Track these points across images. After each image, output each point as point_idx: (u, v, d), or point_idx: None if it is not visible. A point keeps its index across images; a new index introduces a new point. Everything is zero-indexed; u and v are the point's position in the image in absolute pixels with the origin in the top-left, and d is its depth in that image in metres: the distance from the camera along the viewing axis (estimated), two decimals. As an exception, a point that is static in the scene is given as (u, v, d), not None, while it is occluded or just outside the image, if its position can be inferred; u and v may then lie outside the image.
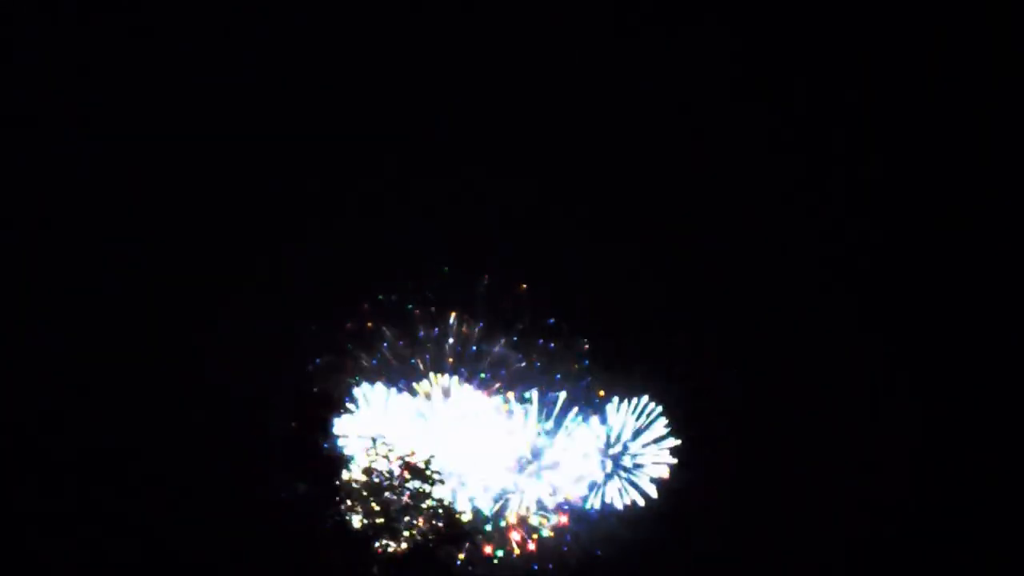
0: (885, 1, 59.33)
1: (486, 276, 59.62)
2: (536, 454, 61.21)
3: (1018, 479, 56.64)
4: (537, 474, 61.00)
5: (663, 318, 61.33)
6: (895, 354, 59.90)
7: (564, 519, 60.53)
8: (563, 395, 61.02)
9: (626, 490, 61.21)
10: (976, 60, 58.83)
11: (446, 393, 60.76)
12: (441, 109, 59.95)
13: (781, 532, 57.46)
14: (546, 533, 59.97)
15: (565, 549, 59.55)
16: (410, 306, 60.42)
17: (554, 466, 61.28)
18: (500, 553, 57.88)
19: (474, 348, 60.60)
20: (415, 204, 60.20)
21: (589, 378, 61.92)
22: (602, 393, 61.69)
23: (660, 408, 61.64)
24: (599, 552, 59.83)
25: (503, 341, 60.81)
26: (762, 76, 60.63)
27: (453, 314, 60.37)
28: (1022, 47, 57.79)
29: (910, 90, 60.01)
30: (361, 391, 59.63)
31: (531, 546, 59.31)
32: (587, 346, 61.36)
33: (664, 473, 61.33)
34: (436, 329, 60.35)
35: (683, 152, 61.08)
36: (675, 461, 61.28)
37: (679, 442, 61.45)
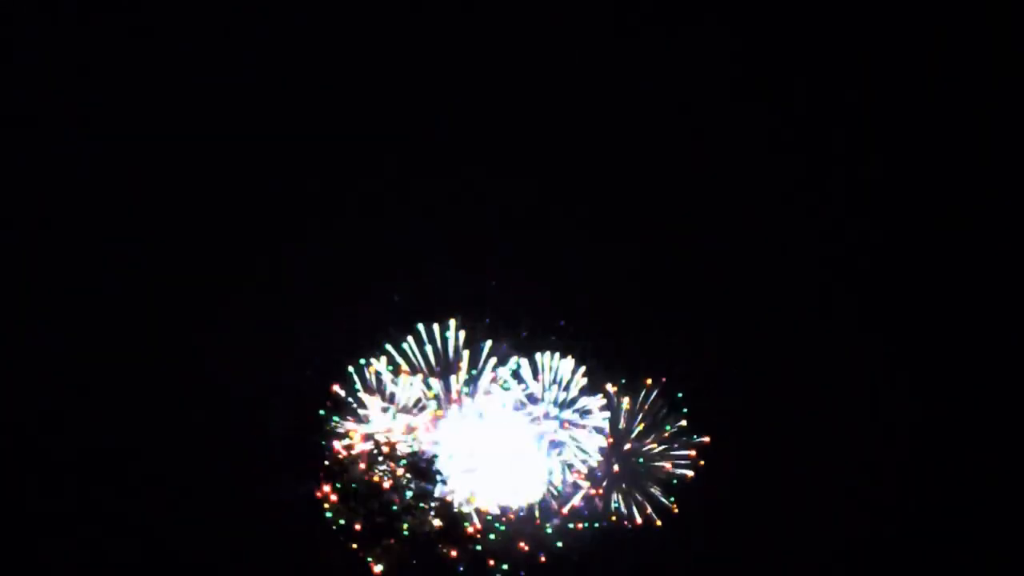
0: (885, 1, 59.31)
1: (493, 281, 59.34)
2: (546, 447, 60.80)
3: (1018, 479, 56.64)
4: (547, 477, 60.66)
5: (663, 318, 61.24)
6: (895, 354, 59.87)
7: (579, 527, 60.11)
8: (573, 391, 60.69)
9: (637, 495, 60.75)
10: (976, 60, 58.82)
11: (451, 393, 60.57)
12: (441, 109, 59.93)
13: (781, 532, 57.42)
14: (553, 535, 59.53)
15: (575, 558, 59.10)
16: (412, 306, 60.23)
17: (564, 467, 60.88)
18: (505, 566, 57.43)
19: (483, 346, 60.36)
20: (415, 204, 60.16)
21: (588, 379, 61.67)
22: (613, 387, 61.25)
23: (669, 405, 61.06)
24: (603, 554, 59.54)
25: (506, 342, 60.55)
26: (762, 76, 60.59)
27: (455, 316, 60.17)
28: (1022, 47, 57.78)
29: (910, 90, 59.98)
30: (363, 391, 59.50)
31: (541, 558, 58.80)
32: (590, 345, 61.09)
33: (681, 472, 60.70)
34: (443, 323, 60.05)
35: (683, 152, 61.02)
36: (695, 462, 60.62)
37: (707, 439, 60.90)
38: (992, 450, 57.42)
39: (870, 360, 60.06)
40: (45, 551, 38.03)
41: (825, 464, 58.91)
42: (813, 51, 60.21)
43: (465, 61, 59.68)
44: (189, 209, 55.98)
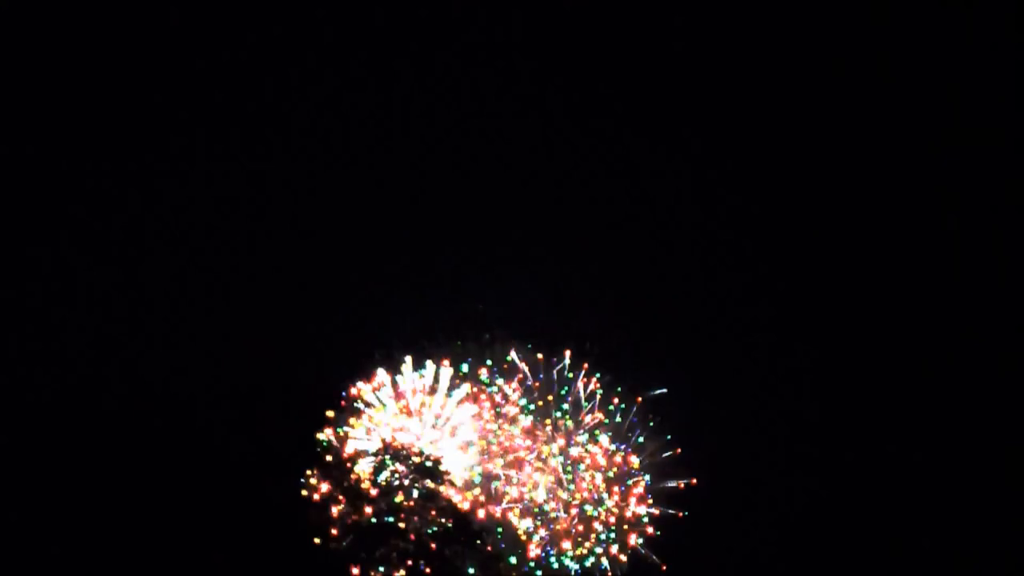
0: (884, 2, 59.49)
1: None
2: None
3: (1018, 479, 56.71)
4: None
5: (663, 318, 61.29)
6: (894, 354, 59.97)
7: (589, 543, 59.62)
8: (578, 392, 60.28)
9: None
10: (976, 60, 58.97)
11: (458, 393, 60.18)
12: (441, 109, 60.15)
13: (781, 532, 57.48)
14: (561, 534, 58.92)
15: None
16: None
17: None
18: (513, 560, 56.88)
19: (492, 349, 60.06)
20: (415, 204, 60.31)
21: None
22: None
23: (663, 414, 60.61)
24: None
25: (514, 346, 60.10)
26: (762, 76, 60.79)
27: (481, 306, 59.55)
28: (1022, 47, 57.93)
29: (910, 90, 60.17)
30: (370, 390, 59.18)
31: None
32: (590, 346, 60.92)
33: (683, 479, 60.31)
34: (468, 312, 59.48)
35: (683, 152, 61.21)
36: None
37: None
38: (992, 450, 57.51)
39: (870, 359, 60.19)
40: (45, 551, 38.10)
41: (826, 464, 59.02)
42: (813, 51, 60.43)
43: (465, 61, 59.91)
44: (189, 209, 56.11)
